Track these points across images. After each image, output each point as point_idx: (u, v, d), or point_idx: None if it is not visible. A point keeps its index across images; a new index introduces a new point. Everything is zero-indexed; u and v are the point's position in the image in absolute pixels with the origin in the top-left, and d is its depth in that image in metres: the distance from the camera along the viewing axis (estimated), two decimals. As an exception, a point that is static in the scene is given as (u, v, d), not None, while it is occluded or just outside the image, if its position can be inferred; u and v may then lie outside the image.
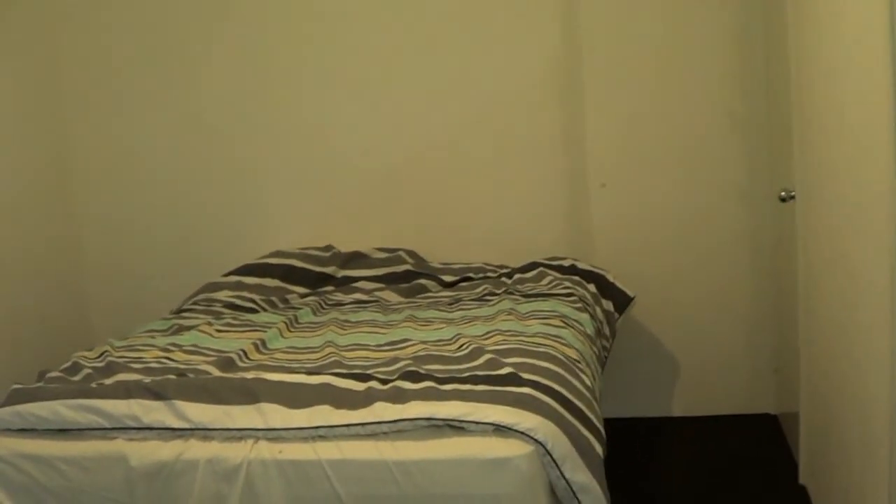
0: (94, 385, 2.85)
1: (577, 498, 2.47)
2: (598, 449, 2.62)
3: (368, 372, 2.89)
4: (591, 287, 4.04)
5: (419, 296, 4.18)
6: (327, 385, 2.73)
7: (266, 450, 2.51)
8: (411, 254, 4.47)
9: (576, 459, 2.48)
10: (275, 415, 2.59)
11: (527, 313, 3.57)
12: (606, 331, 3.87)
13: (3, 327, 4.24)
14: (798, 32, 3.30)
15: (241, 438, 2.56)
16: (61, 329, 4.64)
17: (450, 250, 4.52)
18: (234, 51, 4.62)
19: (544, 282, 4.04)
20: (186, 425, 2.60)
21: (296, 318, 3.80)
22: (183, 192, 4.76)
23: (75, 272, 4.83)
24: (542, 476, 2.43)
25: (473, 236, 4.55)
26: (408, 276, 4.33)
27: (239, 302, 4.09)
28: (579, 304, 3.73)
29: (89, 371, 3.06)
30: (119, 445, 2.61)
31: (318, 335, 3.52)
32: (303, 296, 4.23)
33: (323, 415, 2.57)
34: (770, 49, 4.02)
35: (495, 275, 4.25)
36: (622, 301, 4.08)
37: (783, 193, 3.54)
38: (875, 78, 2.29)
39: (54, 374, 3.05)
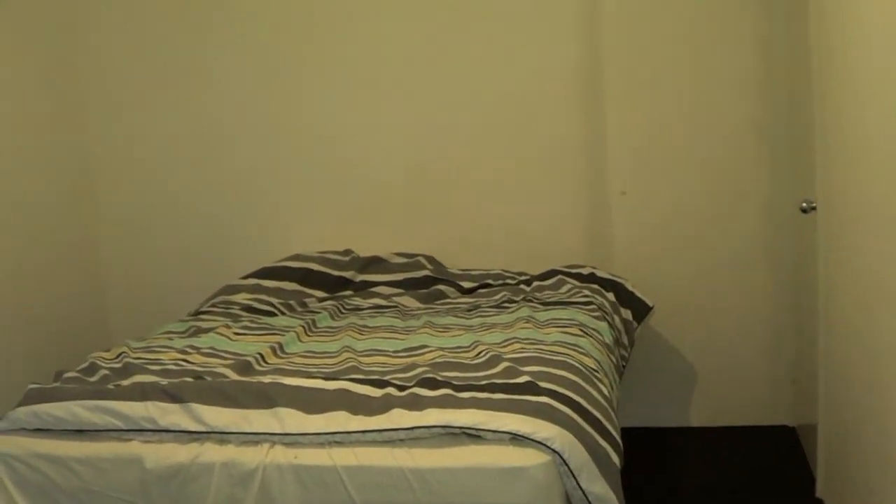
0: (110, 386, 2.86)
1: (593, 508, 2.46)
2: (615, 459, 2.60)
3: (386, 378, 2.88)
4: (610, 295, 4.02)
5: (437, 302, 4.16)
6: (344, 391, 2.72)
7: (282, 454, 2.51)
8: (430, 259, 4.46)
9: (592, 469, 2.47)
10: (291, 419, 2.59)
11: (545, 321, 3.56)
12: (625, 340, 3.85)
13: (22, 328, 4.26)
14: (821, 41, 3.28)
15: (257, 443, 2.56)
16: (79, 330, 4.66)
17: (469, 256, 4.52)
18: (256, 57, 4.63)
19: (563, 290, 4.02)
20: (203, 428, 2.61)
21: (314, 322, 3.79)
22: (202, 195, 4.78)
23: (94, 274, 4.85)
24: (558, 486, 2.42)
25: (493, 243, 4.54)
26: (426, 282, 4.32)
27: (257, 305, 4.10)
28: (598, 313, 3.71)
29: (106, 372, 3.07)
30: (135, 447, 2.61)
31: (336, 340, 3.52)
32: (321, 300, 4.23)
33: (339, 420, 2.56)
34: (793, 57, 3.99)
35: (514, 282, 4.23)
36: (641, 310, 4.07)
37: (804, 204, 3.51)
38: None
39: (71, 374, 3.06)
